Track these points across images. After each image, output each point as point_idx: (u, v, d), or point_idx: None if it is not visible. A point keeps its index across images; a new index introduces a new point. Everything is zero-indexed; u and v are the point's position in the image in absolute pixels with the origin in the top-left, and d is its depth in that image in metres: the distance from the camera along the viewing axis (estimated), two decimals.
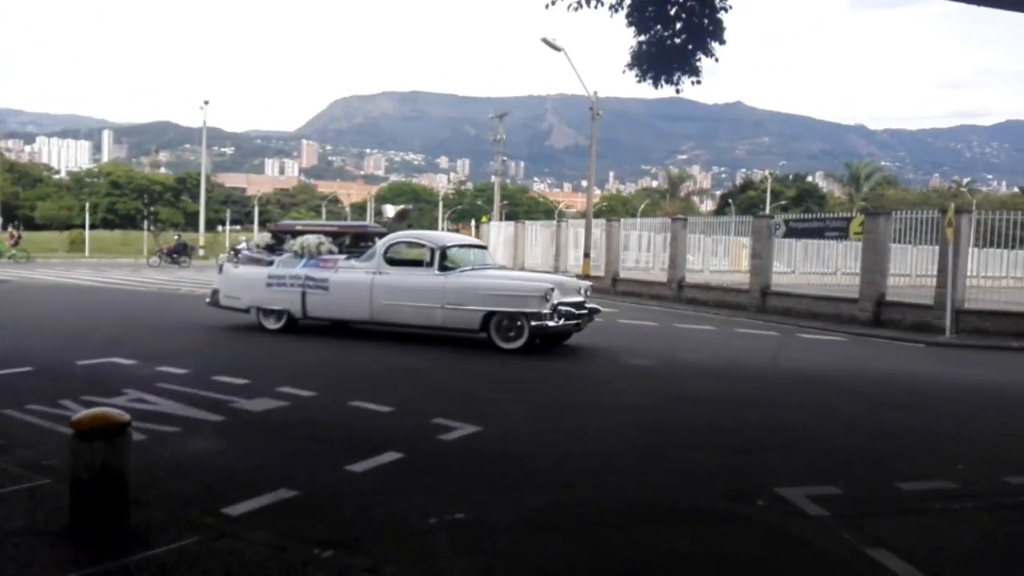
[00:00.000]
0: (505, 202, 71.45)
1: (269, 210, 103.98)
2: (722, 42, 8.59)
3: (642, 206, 77.88)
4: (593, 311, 11.67)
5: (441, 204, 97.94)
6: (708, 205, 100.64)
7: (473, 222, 66.39)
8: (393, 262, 11.73)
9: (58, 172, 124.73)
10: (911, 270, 21.03)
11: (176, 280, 25.98)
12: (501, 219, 45.13)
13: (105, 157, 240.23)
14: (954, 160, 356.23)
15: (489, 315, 10.70)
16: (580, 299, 11.49)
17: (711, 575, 3.85)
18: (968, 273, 16.55)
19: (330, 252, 12.30)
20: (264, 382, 8.01)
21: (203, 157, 55.49)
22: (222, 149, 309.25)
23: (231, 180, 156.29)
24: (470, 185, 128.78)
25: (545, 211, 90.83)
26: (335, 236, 12.66)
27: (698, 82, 8.95)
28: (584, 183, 31.22)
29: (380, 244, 11.87)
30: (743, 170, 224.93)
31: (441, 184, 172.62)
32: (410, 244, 12.31)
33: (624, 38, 9.92)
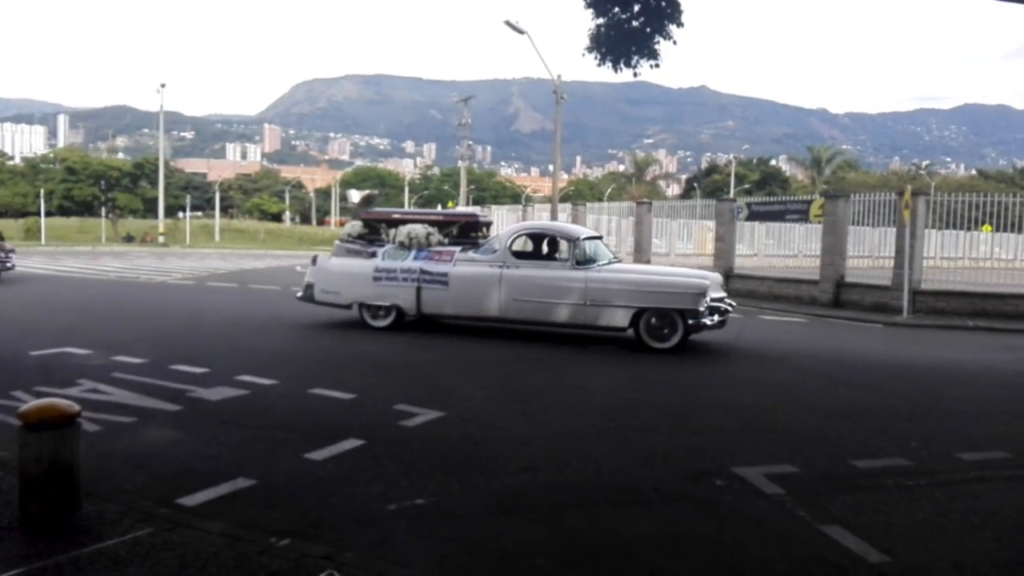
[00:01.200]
0: (472, 187, 71.18)
1: (231, 196, 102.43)
2: (680, 25, 8.61)
3: (608, 190, 78.17)
4: (730, 306, 11.04)
5: (407, 189, 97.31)
6: (674, 189, 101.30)
7: (439, 207, 66.07)
8: (520, 255, 11.09)
9: (12, 158, 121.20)
10: (871, 252, 21.42)
11: (135, 268, 25.50)
12: (468, 204, 44.94)
13: (60, 142, 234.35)
14: (914, 143, 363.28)
15: (639, 313, 10.09)
16: (723, 294, 10.95)
17: (669, 554, 3.89)
18: (925, 254, 16.90)
19: (440, 243, 11.47)
20: (223, 371, 7.91)
21: (161, 142, 54.40)
22: (182, 134, 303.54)
23: (191, 165, 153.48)
24: (436, 170, 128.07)
25: (512, 196, 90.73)
26: (440, 226, 11.73)
27: (657, 65, 8.96)
28: (551, 168, 31.21)
29: (504, 235, 11.11)
30: (708, 154, 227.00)
31: (407, 169, 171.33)
32: (539, 236, 11.72)
33: (586, 21, 9.90)
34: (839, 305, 17.07)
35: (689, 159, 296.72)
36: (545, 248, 11.64)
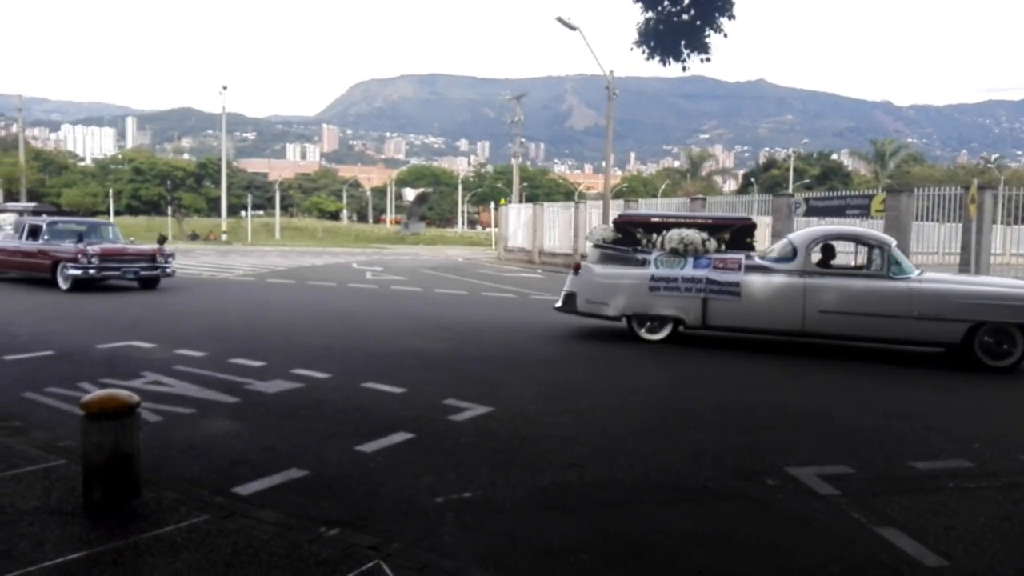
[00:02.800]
0: (525, 184, 71.26)
1: (291, 195, 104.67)
2: (732, 17, 8.44)
3: (662, 186, 77.36)
4: None
5: (461, 187, 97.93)
6: (730, 185, 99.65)
7: (492, 205, 66.32)
8: (823, 263, 10.33)
9: (83, 159, 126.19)
10: (937, 248, 20.73)
11: (199, 265, 26.26)
12: (521, 201, 44.99)
13: (129, 144, 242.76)
14: (982, 136, 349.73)
15: (974, 327, 9.22)
16: None
17: (717, 553, 3.84)
18: (993, 250, 16.30)
19: (717, 250, 10.69)
20: (280, 364, 8.10)
21: (223, 143, 55.85)
22: (244, 134, 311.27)
23: (253, 165, 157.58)
24: (490, 168, 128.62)
25: (565, 193, 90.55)
26: (711, 230, 10.85)
27: (708, 59, 8.81)
28: (604, 164, 31.02)
29: (801, 242, 10.20)
30: (766, 149, 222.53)
31: (461, 167, 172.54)
32: (845, 241, 10.76)
33: (637, 15, 9.80)
34: None
35: (746, 154, 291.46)
36: (851, 255, 10.79)
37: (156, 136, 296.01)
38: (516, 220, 35.65)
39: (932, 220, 18.30)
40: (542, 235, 32.59)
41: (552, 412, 6.53)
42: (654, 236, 10.88)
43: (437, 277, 23.59)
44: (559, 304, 11.38)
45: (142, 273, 16.72)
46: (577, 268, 11.33)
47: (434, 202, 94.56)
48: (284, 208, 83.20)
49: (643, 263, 10.76)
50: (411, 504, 4.30)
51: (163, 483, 4.37)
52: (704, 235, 10.65)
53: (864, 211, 18.71)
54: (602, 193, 29.17)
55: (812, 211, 20.65)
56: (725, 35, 8.57)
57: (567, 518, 4.19)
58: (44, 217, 18.15)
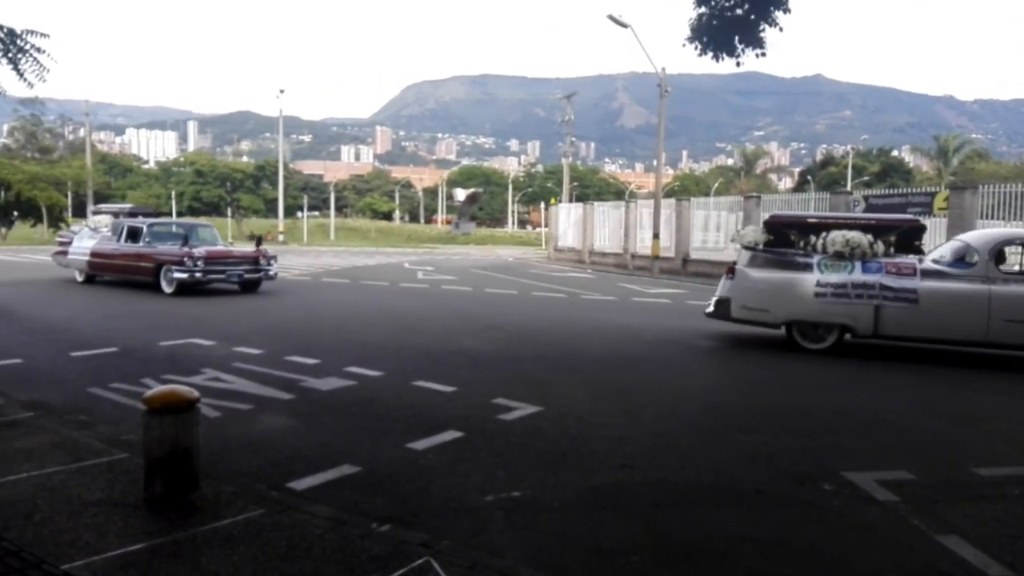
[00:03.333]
0: (575, 184, 70.98)
1: (345, 196, 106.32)
2: (787, 11, 8.26)
3: (715, 185, 76.25)
4: None
5: (511, 187, 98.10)
6: (786, 183, 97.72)
7: (542, 204, 66.28)
8: (1008, 268, 9.68)
9: (147, 162, 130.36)
10: None
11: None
12: (571, 201, 44.86)
13: (190, 147, 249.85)
14: None
15: None
16: None
17: (771, 558, 3.76)
18: None
19: (885, 253, 10.06)
20: (334, 362, 8.24)
21: (280, 145, 57.03)
22: (300, 137, 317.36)
23: (309, 167, 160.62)
24: (540, 167, 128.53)
25: (615, 192, 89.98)
26: (875, 232, 10.15)
27: (763, 54, 8.63)
28: (656, 163, 30.73)
29: (983, 245, 9.50)
30: (823, 145, 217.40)
31: (511, 167, 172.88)
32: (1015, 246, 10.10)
33: (689, 11, 9.67)
34: None
35: (803, 151, 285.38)
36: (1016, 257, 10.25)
37: (216, 139, 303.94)
38: (566, 220, 35.56)
39: (998, 219, 17.63)
40: (592, 235, 32.45)
41: (602, 412, 6.50)
42: (811, 238, 10.25)
43: (487, 277, 23.69)
44: (710, 310, 10.80)
45: (245, 276, 16.11)
46: (731, 271, 10.66)
47: (484, 202, 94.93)
48: (338, 209, 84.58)
49: (805, 267, 10.05)
50: (461, 502, 4.33)
51: (221, 477, 4.48)
52: (869, 237, 9.98)
53: (927, 209, 18.15)
54: (653, 192, 28.89)
55: (871, 209, 20.12)
56: (780, 29, 8.40)
57: (618, 519, 4.17)
58: (143, 219, 17.72)
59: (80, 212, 58.61)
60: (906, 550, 3.83)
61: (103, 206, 22.41)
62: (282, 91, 49.28)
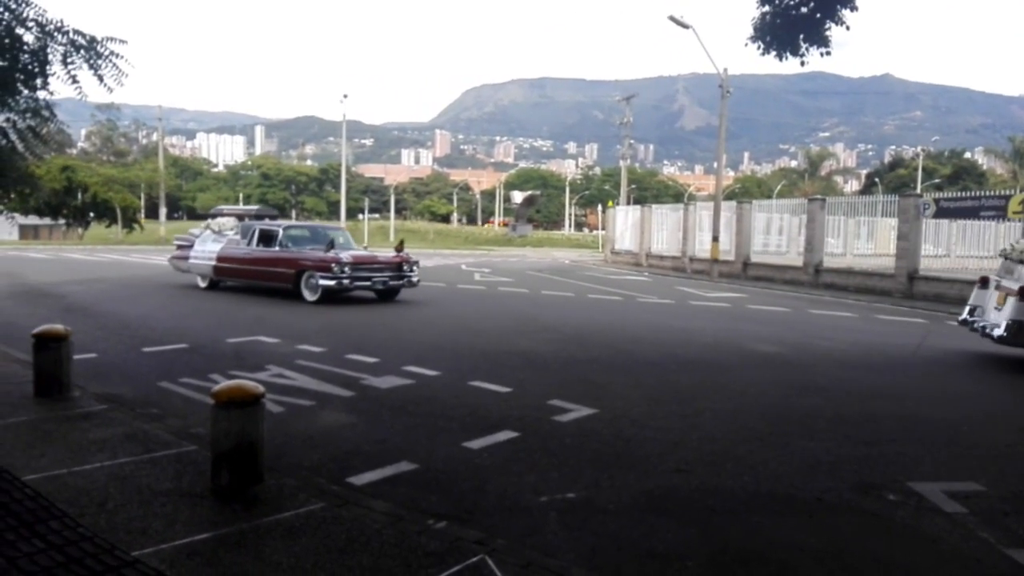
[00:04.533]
0: (633, 186, 70.44)
1: (405, 198, 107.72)
2: (854, 9, 8.04)
3: (778, 187, 74.68)
4: None
5: (568, 189, 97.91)
6: (852, 185, 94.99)
7: (600, 207, 65.97)
8: None
9: (216, 165, 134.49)
10: None
11: None
12: (629, 203, 44.53)
13: (257, 151, 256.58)
14: None
15: None
16: None
17: (831, 569, 3.69)
18: None
19: None
20: (392, 361, 8.37)
21: (343, 149, 58.12)
22: (362, 141, 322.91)
23: (370, 170, 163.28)
24: (598, 170, 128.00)
25: (674, 195, 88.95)
26: None
27: (828, 53, 8.42)
28: (716, 164, 30.29)
29: None
30: (892, 147, 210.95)
31: (569, 169, 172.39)
32: None
33: (752, 10, 9.51)
34: None
35: (871, 153, 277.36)
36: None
37: (282, 143, 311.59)
38: (624, 222, 35.31)
39: None
40: (650, 237, 32.14)
41: (657, 415, 6.46)
42: None
43: (543, 279, 23.70)
44: (1001, 333, 9.32)
45: (390, 283, 14.92)
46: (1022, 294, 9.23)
47: (542, 204, 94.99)
48: (398, 211, 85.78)
49: None
50: (515, 502, 4.36)
51: (283, 471, 4.61)
52: None
53: (1001, 212, 17.44)
54: (713, 195, 28.46)
55: (942, 212, 19.44)
56: (847, 27, 8.19)
57: (672, 523, 4.14)
58: (273, 222, 16.97)
59: (152, 213, 60.84)
60: (973, 563, 3.71)
61: (224, 208, 21.32)
62: (345, 96, 50.19)
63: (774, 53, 8.43)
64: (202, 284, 16.98)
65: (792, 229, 24.64)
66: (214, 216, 18.57)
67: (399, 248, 15.94)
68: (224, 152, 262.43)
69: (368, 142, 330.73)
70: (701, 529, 4.08)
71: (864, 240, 24.01)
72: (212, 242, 16.87)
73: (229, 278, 16.47)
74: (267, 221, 17.07)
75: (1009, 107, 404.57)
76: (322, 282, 14.18)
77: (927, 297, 18.14)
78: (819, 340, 11.54)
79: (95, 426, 5.41)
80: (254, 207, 23.00)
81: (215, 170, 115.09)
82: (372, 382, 7.38)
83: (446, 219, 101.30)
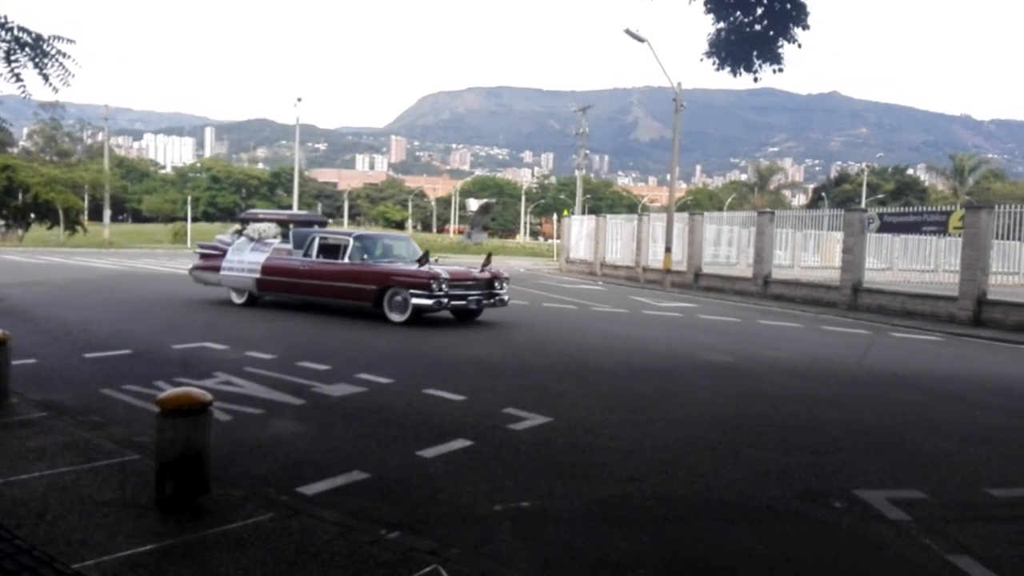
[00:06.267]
0: (588, 196, 71.04)
1: (359, 204, 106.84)
2: (806, 27, 8.27)
3: (729, 200, 76.11)
4: None
5: (524, 198, 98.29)
6: (800, 199, 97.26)
7: (555, 216, 66.36)
8: None
9: (163, 167, 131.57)
10: (1019, 268, 19.86)
11: None
12: (584, 213, 44.88)
13: (207, 153, 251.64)
14: None
15: None
16: None
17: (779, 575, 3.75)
18: None
19: None
20: (344, 368, 8.26)
21: (296, 153, 57.43)
22: (316, 145, 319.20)
23: (324, 175, 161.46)
24: (553, 179, 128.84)
25: (628, 205, 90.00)
26: None
27: (780, 70, 8.64)
28: (669, 177, 30.73)
29: None
30: (838, 163, 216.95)
31: (525, 178, 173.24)
32: None
33: (707, 26, 9.68)
34: (979, 324, 15.90)
35: (817, 168, 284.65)
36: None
37: (233, 146, 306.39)
38: (579, 232, 35.56)
39: (1013, 239, 17.50)
40: (604, 247, 32.42)
41: (611, 424, 6.49)
42: None
43: None
44: None
45: (484, 302, 13.31)
46: None
47: (497, 213, 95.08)
48: (352, 217, 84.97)
49: None
50: (469, 511, 4.33)
51: (231, 480, 4.51)
52: None
53: (942, 228, 18.04)
54: (666, 206, 28.86)
55: (886, 227, 20.02)
56: (799, 45, 8.41)
57: (625, 532, 4.16)
58: (342, 229, 14.89)
59: (96, 215, 59.20)
60: (917, 569, 3.80)
61: (258, 212, 18.54)
62: (299, 99, 49.72)
63: (728, 69, 8.61)
64: (237, 300, 14.90)
65: (742, 241, 25.10)
66: (246, 221, 15.92)
67: (486, 263, 14.25)
68: (172, 154, 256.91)
69: (322, 146, 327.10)
70: (653, 537, 4.11)
71: (811, 253, 24.61)
72: (252, 251, 14.69)
73: (278, 293, 14.49)
74: (316, 228, 15.06)
75: (950, 126, 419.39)
76: (415, 300, 12.45)
77: (870, 309, 18.64)
78: (768, 350, 11.76)
79: (34, 434, 5.22)
80: (302, 212, 19.80)
81: (163, 172, 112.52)
82: (323, 390, 7.27)
83: (401, 226, 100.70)
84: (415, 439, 5.67)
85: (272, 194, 78.58)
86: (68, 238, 45.42)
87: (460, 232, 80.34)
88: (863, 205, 51.24)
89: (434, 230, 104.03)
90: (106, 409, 6.26)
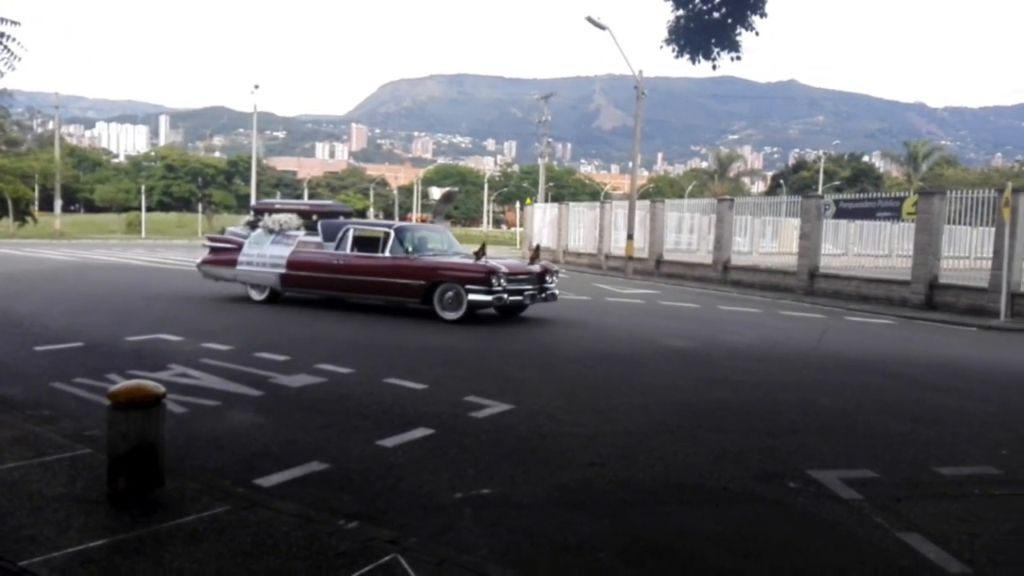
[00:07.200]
0: (551, 184, 71.17)
1: (319, 193, 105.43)
2: (764, 15, 8.36)
3: (690, 187, 76.84)
4: None
5: (487, 186, 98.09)
6: (759, 186, 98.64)
7: (518, 204, 66.38)
8: None
9: (117, 156, 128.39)
10: (969, 252, 20.39)
11: None
12: (546, 201, 44.94)
13: (162, 141, 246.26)
14: (1018, 139, 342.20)
15: None
16: None
17: (736, 555, 3.80)
18: None
19: None
20: (304, 359, 8.17)
21: (254, 141, 56.47)
22: (274, 133, 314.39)
23: (282, 164, 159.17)
24: (516, 167, 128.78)
25: (591, 193, 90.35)
26: None
27: (738, 58, 8.73)
28: (631, 164, 30.91)
29: None
30: (796, 150, 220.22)
31: (488, 166, 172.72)
32: None
33: (667, 14, 9.73)
34: (931, 307, 16.31)
35: (776, 155, 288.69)
36: None
37: (188, 134, 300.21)
38: (541, 220, 35.61)
39: (965, 224, 17.95)
40: (567, 235, 32.53)
41: (573, 410, 6.52)
42: None
43: None
44: None
45: (537, 297, 12.52)
46: None
47: (460, 201, 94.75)
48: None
49: None
50: (430, 499, 4.32)
51: (186, 473, 4.43)
52: None
53: (895, 213, 18.44)
54: (628, 194, 29.03)
55: (842, 213, 20.40)
56: (757, 33, 8.51)
57: (586, 516, 4.18)
58: (380, 221, 13.18)
59: (47, 206, 57.62)
60: (868, 547, 3.89)
61: (274, 201, 17.20)
62: (256, 87, 48.75)
63: (687, 56, 8.67)
64: (257, 296, 13.78)
65: (702, 228, 25.38)
66: (260, 211, 14.73)
67: (535, 255, 13.55)
68: (126, 142, 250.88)
69: (280, 134, 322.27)
70: (614, 521, 4.14)
71: (769, 239, 24.97)
72: (273, 244, 13.57)
73: (308, 289, 13.48)
74: (352, 219, 14.18)
75: (905, 114, 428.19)
76: (472, 297, 11.62)
77: (826, 294, 19.00)
78: (727, 335, 11.92)
79: None
80: (326, 201, 17.31)
81: (116, 161, 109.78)
82: (282, 380, 7.18)
83: (362, 214, 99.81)
84: (375, 429, 5.64)
85: (229, 183, 77.16)
86: (18, 229, 44.12)
87: (423, 220, 79.97)
88: (820, 192, 52.14)
89: (396, 218, 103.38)
90: (57, 403, 6.11)
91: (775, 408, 6.98)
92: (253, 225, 14.41)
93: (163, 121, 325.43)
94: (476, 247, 12.72)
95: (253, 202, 17.64)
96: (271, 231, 13.85)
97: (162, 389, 4.15)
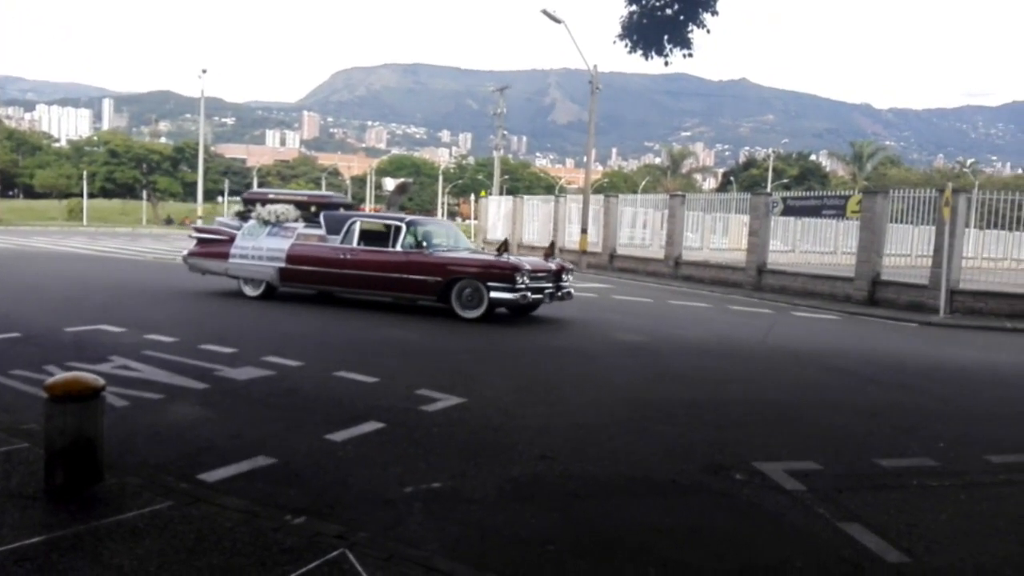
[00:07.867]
0: (506, 177, 71.17)
1: (269, 181, 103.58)
2: (715, 13, 8.48)
3: (643, 183, 77.60)
4: None
5: (442, 178, 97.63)
6: (710, 183, 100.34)
7: (473, 197, 66.23)
8: None
9: (58, 140, 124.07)
10: (911, 250, 20.99)
11: (173, 250, 25.93)
12: (501, 194, 44.92)
13: (105, 126, 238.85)
14: (959, 141, 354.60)
15: None
16: None
17: (684, 546, 3.86)
18: (965, 254, 16.53)
19: None
20: (251, 351, 8.02)
21: (201, 127, 55.15)
22: (223, 119, 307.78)
23: (231, 151, 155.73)
24: (471, 160, 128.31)
25: (546, 186, 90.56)
26: None
27: (690, 55, 8.84)
28: (585, 159, 31.07)
29: None
30: (746, 148, 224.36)
31: (442, 158, 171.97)
32: None
33: (621, 8, 9.80)
34: (874, 303, 16.77)
35: (727, 153, 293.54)
36: None
37: (133, 119, 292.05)
38: (496, 212, 35.58)
39: (907, 222, 18.48)
40: (521, 228, 32.56)
41: (525, 404, 6.53)
42: None
43: None
44: None
45: (555, 295, 12.01)
46: None
47: (414, 192, 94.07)
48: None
49: None
50: (379, 494, 4.28)
51: (127, 468, 4.31)
52: None
53: (840, 212, 18.89)
54: (583, 188, 29.19)
55: (789, 211, 20.82)
56: (708, 31, 8.63)
57: (536, 509, 4.19)
58: (389, 214, 13.46)
59: None
60: (811, 537, 3.98)
61: (267, 191, 16.23)
62: (204, 71, 47.50)
63: (640, 52, 8.74)
64: (251, 292, 13.01)
65: (655, 223, 25.65)
66: (252, 201, 13.83)
67: (551, 252, 13.06)
68: (67, 126, 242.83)
69: (229, 121, 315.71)
70: (564, 514, 4.16)
71: (719, 235, 25.35)
72: (269, 236, 12.82)
73: (311, 285, 12.74)
74: (351, 211, 13.59)
75: (852, 114, 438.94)
76: (495, 295, 11.09)
77: (774, 289, 19.39)
78: (678, 329, 12.08)
79: None
80: (325, 192, 16.33)
81: (57, 145, 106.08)
82: (228, 373, 7.03)
83: None
84: (324, 423, 5.56)
85: (175, 170, 75.12)
86: None
87: (377, 211, 79.19)
88: (768, 189, 53.16)
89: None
90: None
91: (723, 401, 7.10)
92: (244, 216, 13.62)
93: (107, 105, 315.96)
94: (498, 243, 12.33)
95: (244, 192, 16.71)
96: (266, 222, 13.03)
97: (101, 381, 4.02)
